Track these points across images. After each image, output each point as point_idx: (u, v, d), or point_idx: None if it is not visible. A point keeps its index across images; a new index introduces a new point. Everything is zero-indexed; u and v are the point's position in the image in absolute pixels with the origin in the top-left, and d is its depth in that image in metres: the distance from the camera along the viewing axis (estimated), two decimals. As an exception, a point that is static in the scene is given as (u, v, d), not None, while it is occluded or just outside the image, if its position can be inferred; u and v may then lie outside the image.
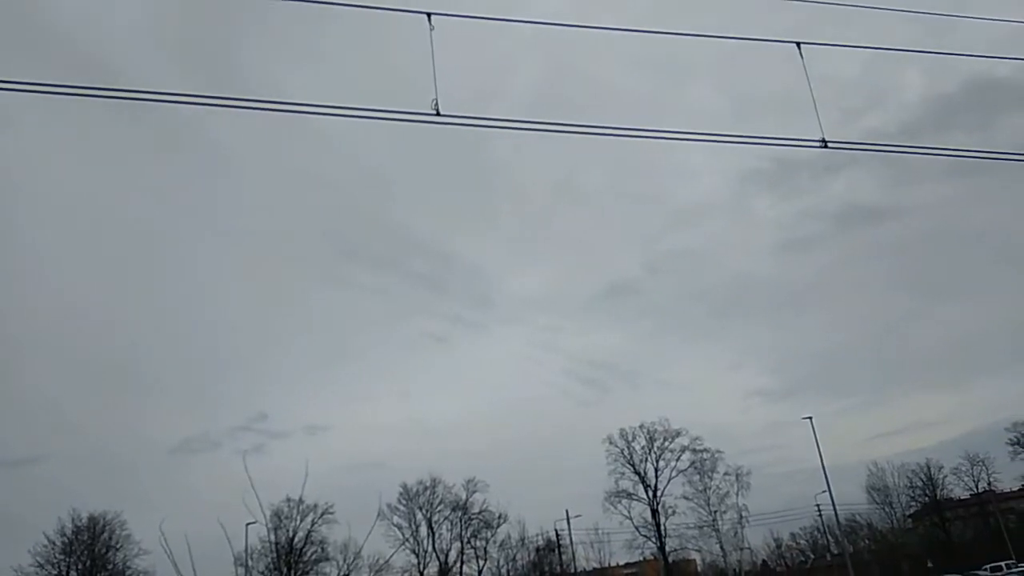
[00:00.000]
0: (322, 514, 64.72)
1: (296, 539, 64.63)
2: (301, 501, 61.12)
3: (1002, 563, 55.56)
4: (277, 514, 61.21)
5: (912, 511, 78.41)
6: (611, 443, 70.32)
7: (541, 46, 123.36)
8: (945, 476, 75.37)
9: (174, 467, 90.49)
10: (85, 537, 63.69)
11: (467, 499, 71.70)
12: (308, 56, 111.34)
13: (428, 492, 71.30)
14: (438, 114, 9.56)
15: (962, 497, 76.83)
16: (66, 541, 62.77)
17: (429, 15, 9.96)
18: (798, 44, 11.33)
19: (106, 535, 64.22)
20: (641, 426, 70.56)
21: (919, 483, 76.12)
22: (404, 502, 70.44)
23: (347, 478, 76.11)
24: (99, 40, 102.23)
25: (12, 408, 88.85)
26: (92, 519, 63.75)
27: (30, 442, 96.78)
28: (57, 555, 62.00)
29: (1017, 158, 11.60)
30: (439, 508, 71.36)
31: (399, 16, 10.20)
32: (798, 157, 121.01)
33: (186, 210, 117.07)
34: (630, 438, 70.47)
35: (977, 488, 75.24)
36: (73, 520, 63.13)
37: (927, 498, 76.13)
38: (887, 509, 78.28)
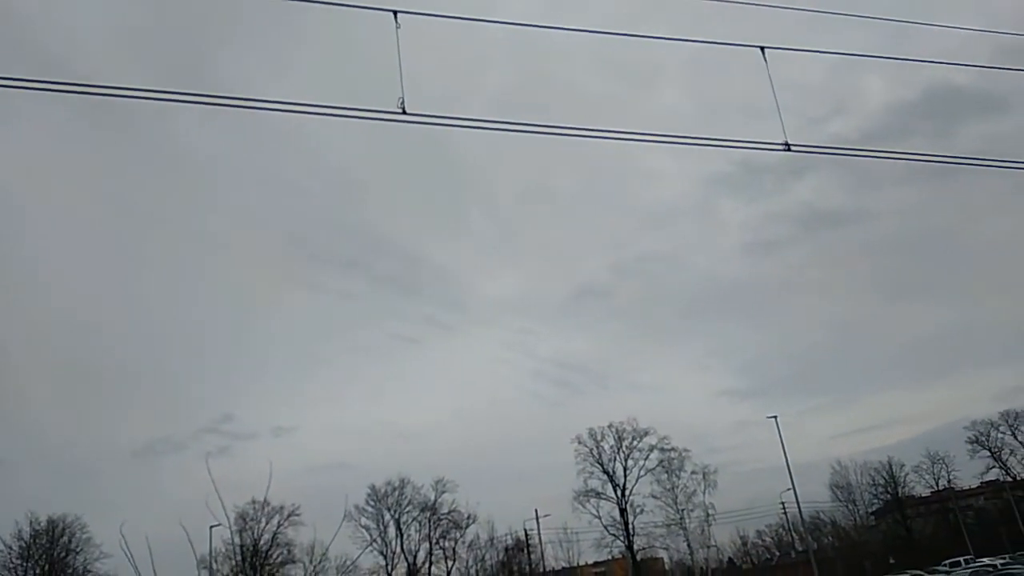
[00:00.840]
0: (288, 516, 64.15)
1: (262, 541, 63.92)
2: (267, 503, 60.51)
3: (960, 559, 56.79)
4: (242, 516, 60.57)
5: (875, 508, 79.90)
6: (580, 443, 70.64)
7: (510, 49, 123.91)
8: (907, 474, 76.98)
9: (138, 470, 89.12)
10: (43, 541, 62.36)
11: (436, 499, 71.54)
12: (274, 55, 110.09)
13: (396, 493, 71.03)
14: (404, 112, 9.50)
15: (923, 495, 78.48)
16: (23, 545, 61.43)
17: (395, 13, 9.89)
18: (762, 48, 11.47)
19: (65, 538, 62.99)
20: (610, 425, 71.00)
21: (881, 481, 77.60)
22: (372, 503, 70.13)
23: (314, 480, 75.67)
24: (59, 39, 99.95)
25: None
26: (51, 522, 62.52)
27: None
28: (14, 560, 60.71)
29: (972, 162, 11.86)
30: (407, 509, 71.13)
31: (366, 14, 10.11)
32: (763, 161, 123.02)
33: (152, 212, 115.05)
34: (599, 438, 70.87)
35: (938, 485, 76.89)
36: (31, 523, 61.90)
37: (889, 496, 77.57)
38: (850, 507, 79.77)
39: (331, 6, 9.94)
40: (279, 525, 64.32)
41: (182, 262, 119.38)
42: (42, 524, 62.25)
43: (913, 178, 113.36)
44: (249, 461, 64.57)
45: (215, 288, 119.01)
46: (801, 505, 64.14)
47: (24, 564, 61.00)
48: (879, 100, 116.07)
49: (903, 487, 77.22)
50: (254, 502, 60.76)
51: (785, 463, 59.06)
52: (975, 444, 72.64)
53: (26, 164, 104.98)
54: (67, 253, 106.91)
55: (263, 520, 63.57)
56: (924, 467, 76.19)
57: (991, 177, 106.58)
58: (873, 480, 77.94)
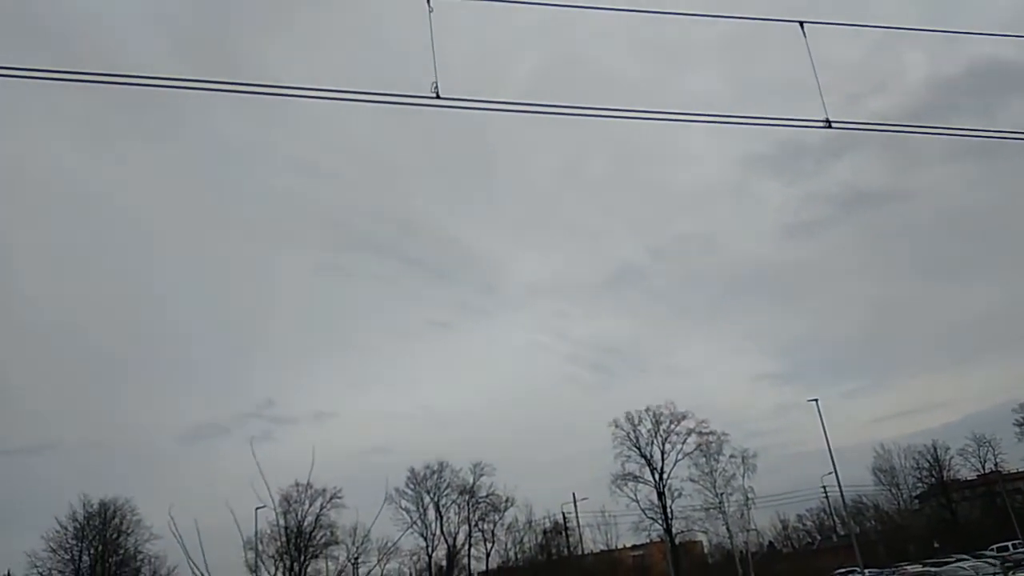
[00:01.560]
0: (330, 499, 65.20)
1: (305, 523, 65.16)
2: (309, 486, 61.52)
3: (1008, 543, 55.62)
4: (286, 499, 61.62)
5: (919, 492, 78.54)
6: (617, 426, 70.51)
7: (542, 31, 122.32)
8: (951, 457, 75.53)
9: (184, 454, 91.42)
10: (96, 522, 64.43)
11: (474, 483, 72.15)
12: (306, 42, 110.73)
13: (435, 476, 71.80)
14: (438, 97, 9.52)
15: (969, 478, 76.96)
16: (78, 526, 63.57)
17: (428, -3, 9.91)
18: (801, 24, 11.22)
19: (117, 520, 64.99)
20: (647, 409, 70.71)
21: (925, 464, 76.23)
22: (412, 486, 70.99)
23: (355, 463, 76.70)
24: (97, 32, 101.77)
25: (21, 396, 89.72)
26: (103, 504, 64.52)
27: (39, 430, 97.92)
28: (69, 540, 62.86)
29: (1018, 137, 11.49)
30: (446, 492, 71.86)
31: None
32: (801, 141, 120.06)
33: (185, 199, 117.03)
34: (636, 421, 70.66)
35: (984, 469, 75.34)
36: (84, 506, 63.99)
37: (933, 479, 76.19)
38: (893, 490, 78.56)
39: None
40: (322, 507, 65.47)
41: (221, 249, 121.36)
42: (95, 506, 64.36)
43: (956, 156, 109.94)
44: (291, 445, 65.94)
45: (253, 275, 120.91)
46: (843, 489, 63.38)
47: (79, 544, 63.19)
48: (921, 76, 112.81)
49: (948, 470, 75.84)
50: (297, 485, 61.81)
51: (827, 446, 58.37)
52: (1023, 427, 70.96)
53: (63, 153, 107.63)
54: (105, 240, 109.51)
55: (306, 502, 64.74)
56: (970, 450, 74.79)
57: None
58: (917, 463, 76.67)
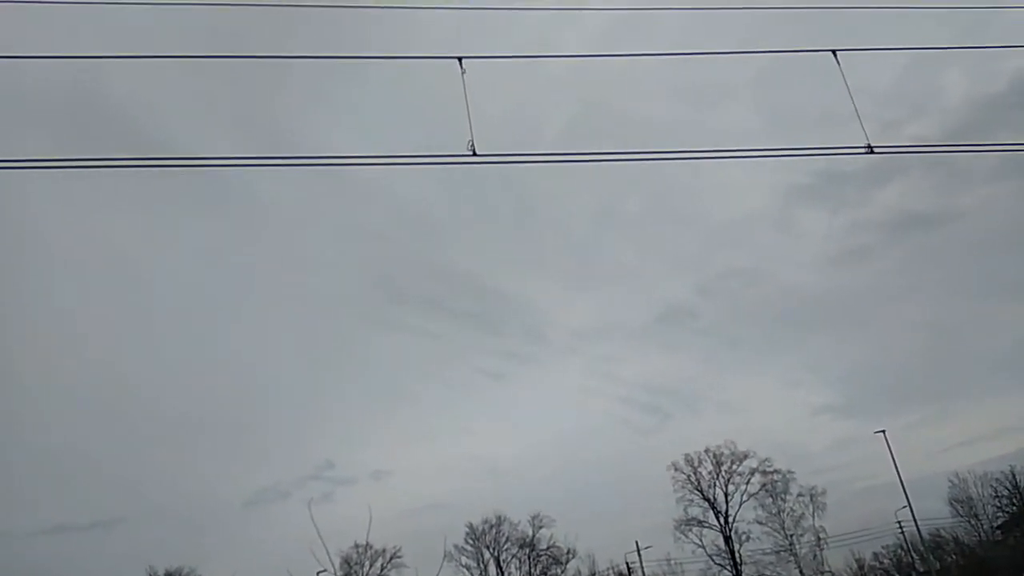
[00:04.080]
0: (391, 558, 64.88)
1: (367, 585, 64.77)
2: (369, 546, 61.37)
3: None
4: (347, 561, 61.52)
5: (1000, 522, 74.85)
6: (676, 469, 69.06)
7: (573, 82, 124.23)
8: (1032, 483, 71.91)
9: (248, 520, 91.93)
10: (163, 592, 65.08)
11: (534, 535, 71.02)
12: (346, 110, 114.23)
13: (494, 530, 70.92)
14: (474, 154, 9.70)
15: (1053, 504, 73.18)
16: (146, 597, 64.23)
17: (460, 59, 10.17)
18: (834, 52, 11.20)
19: (183, 589, 65.51)
20: (707, 450, 69.21)
21: (1005, 492, 72.75)
22: (471, 541, 70.20)
23: (413, 521, 76.02)
24: (149, 114, 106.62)
25: (87, 472, 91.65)
26: (169, 574, 65.18)
27: (106, 505, 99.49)
28: (139, 612, 63.53)
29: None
30: (506, 546, 70.84)
31: (432, 63, 10.43)
32: (843, 170, 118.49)
33: (235, 269, 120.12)
34: (696, 463, 69.13)
35: (1069, 494, 71.59)
36: (151, 576, 64.66)
37: (1015, 507, 72.64)
38: (973, 521, 74.91)
39: (400, 60, 10.29)
40: (382, 568, 65.18)
41: (271, 316, 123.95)
42: (161, 576, 65.10)
43: (1005, 172, 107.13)
44: (351, 506, 65.83)
45: (308, 338, 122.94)
46: (919, 523, 60.76)
47: (147, 616, 63.82)
48: (961, 96, 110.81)
49: (1030, 497, 72.16)
50: (357, 546, 61.72)
51: (898, 479, 56.23)
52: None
53: (140, 234, 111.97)
54: (159, 315, 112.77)
55: (367, 563, 64.50)
56: (1051, 474, 71.15)
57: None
58: (996, 492, 73.15)
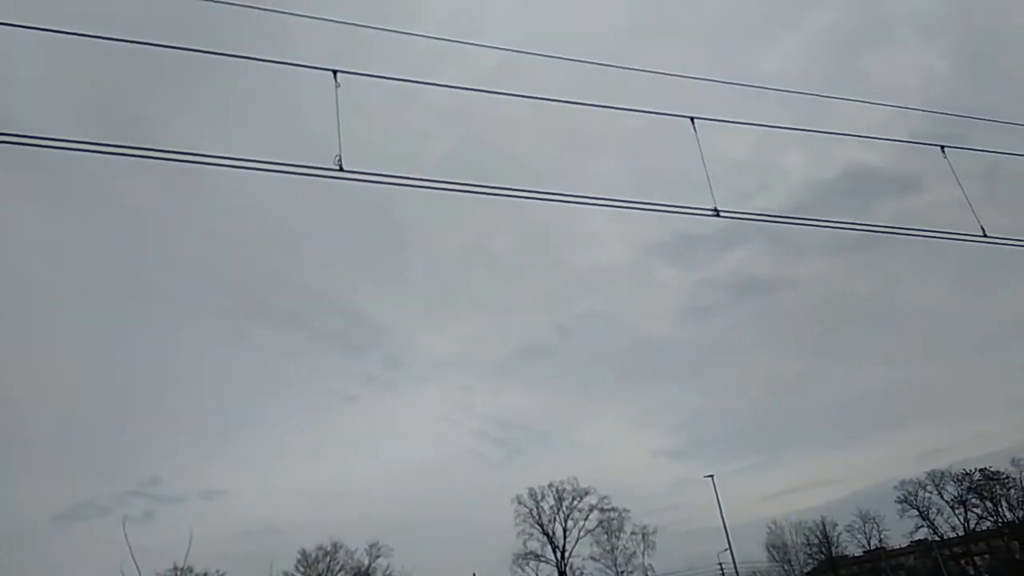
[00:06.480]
0: (212, 584, 61.13)
1: (183, 611, 60.53)
2: (189, 570, 57.52)
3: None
4: (162, 584, 57.25)
5: (809, 568, 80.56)
6: (520, 503, 69.86)
7: (449, 116, 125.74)
8: (840, 533, 78.24)
9: (57, 536, 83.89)
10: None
11: (370, 564, 69.29)
12: (212, 110, 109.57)
13: (328, 558, 68.56)
14: (341, 169, 9.55)
15: (856, 554, 79.65)
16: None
17: (335, 72, 10.04)
18: (692, 119, 11.99)
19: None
20: (550, 485, 70.55)
21: (815, 540, 78.58)
22: (302, 568, 67.41)
23: (244, 544, 72.31)
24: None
25: None
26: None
27: None
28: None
29: (888, 231, 12.53)
30: (339, 575, 68.51)
31: (307, 75, 10.22)
32: (697, 232, 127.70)
33: (79, 266, 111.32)
34: (539, 498, 70.27)
35: (869, 545, 78.27)
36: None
37: (823, 555, 78.44)
38: (786, 566, 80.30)
39: (273, 64, 10.02)
40: (201, 593, 61.18)
41: (115, 315, 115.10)
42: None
43: (835, 249, 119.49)
44: (176, 526, 61.50)
45: (146, 343, 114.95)
46: (738, 566, 64.38)
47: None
48: (800, 177, 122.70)
49: (836, 546, 78.34)
50: (175, 569, 57.60)
51: (722, 523, 59.38)
52: (904, 504, 74.53)
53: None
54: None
55: (184, 588, 60.33)
56: (856, 526, 77.73)
57: (907, 246, 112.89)
58: (808, 539, 78.95)
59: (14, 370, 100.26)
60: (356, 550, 69.12)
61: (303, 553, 67.60)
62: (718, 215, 11.57)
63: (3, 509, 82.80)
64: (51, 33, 9.28)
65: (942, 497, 73.82)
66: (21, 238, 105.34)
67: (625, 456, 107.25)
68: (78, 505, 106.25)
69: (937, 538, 73.75)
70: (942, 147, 13.85)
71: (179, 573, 58.36)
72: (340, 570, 68.54)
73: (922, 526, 74.53)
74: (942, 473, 73.97)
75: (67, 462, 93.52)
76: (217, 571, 61.30)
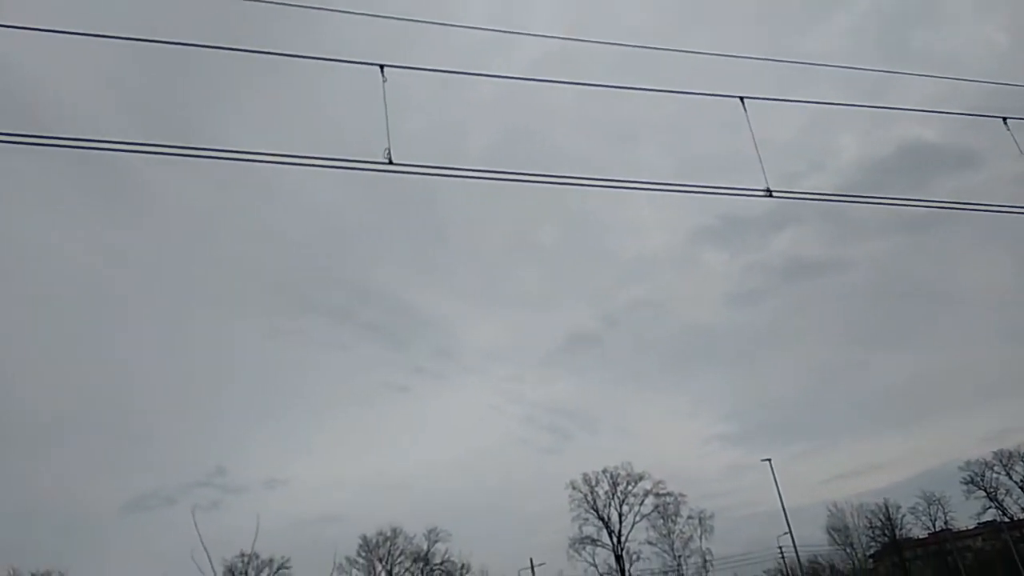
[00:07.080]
0: (278, 569, 63.04)
1: (251, 596, 62.54)
2: (256, 556, 59.42)
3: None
4: (230, 570, 59.26)
5: (872, 551, 79.03)
6: (574, 488, 69.94)
7: (495, 106, 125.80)
8: (903, 516, 76.45)
9: (126, 525, 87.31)
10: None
11: (429, 549, 70.42)
12: (263, 109, 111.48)
13: (388, 543, 69.88)
14: (390, 163, 9.66)
15: (920, 536, 77.80)
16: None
17: (382, 67, 10.14)
18: (742, 99, 11.78)
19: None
20: (604, 470, 70.44)
21: (878, 523, 76.96)
22: (363, 554, 68.91)
23: (306, 532, 74.33)
24: (50, 96, 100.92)
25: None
26: (34, 577, 61.08)
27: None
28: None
29: (949, 206, 12.14)
30: (399, 559, 69.88)
31: (355, 70, 10.35)
32: (744, 214, 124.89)
33: (137, 264, 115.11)
34: (593, 483, 70.24)
35: (934, 527, 76.30)
36: (13, 579, 60.42)
37: (886, 538, 76.81)
38: (848, 550, 78.93)
39: (319, 61, 10.18)
40: (267, 578, 63.10)
41: (179, 314, 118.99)
42: (24, 579, 60.88)
43: (889, 229, 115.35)
44: (240, 514, 63.60)
45: (207, 339, 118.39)
46: (799, 549, 63.43)
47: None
48: (853, 157, 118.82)
49: (900, 529, 76.62)
50: (243, 555, 59.58)
51: (781, 506, 58.60)
52: (970, 484, 72.44)
53: (24, 216, 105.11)
54: (49, 303, 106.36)
55: (251, 573, 62.30)
56: (920, 508, 75.87)
57: (966, 223, 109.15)
58: (870, 522, 77.39)
59: (81, 366, 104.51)
60: (415, 535, 70.44)
61: (364, 539, 69.13)
62: (770, 195, 11.37)
63: (71, 499, 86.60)
64: (105, 39, 9.59)
65: (1011, 478, 71.57)
66: (79, 239, 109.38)
67: (677, 442, 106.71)
68: (146, 495, 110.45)
69: (1007, 519, 71.53)
70: (1004, 119, 13.32)
71: (247, 559, 60.54)
72: (400, 555, 69.86)
73: (990, 507, 72.49)
74: (1010, 453, 71.68)
75: (132, 454, 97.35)
76: (282, 557, 62.95)
